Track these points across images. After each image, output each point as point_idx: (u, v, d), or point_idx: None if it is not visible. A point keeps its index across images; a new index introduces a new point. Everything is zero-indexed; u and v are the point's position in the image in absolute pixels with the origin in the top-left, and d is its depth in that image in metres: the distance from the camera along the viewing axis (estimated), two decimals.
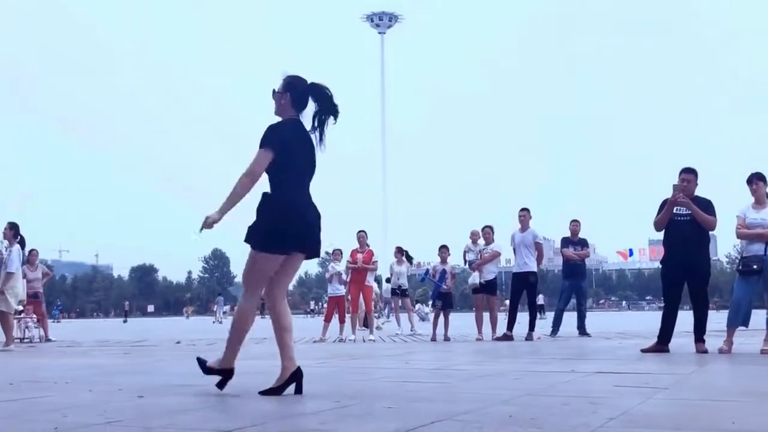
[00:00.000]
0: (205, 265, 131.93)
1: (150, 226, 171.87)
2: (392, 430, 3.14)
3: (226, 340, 4.97)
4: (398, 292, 16.97)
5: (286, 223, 4.59)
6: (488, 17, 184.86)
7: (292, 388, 4.61)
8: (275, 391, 4.58)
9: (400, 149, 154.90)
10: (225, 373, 4.90)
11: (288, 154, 4.66)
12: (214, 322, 37.84)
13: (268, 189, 4.70)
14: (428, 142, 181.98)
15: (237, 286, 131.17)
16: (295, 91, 4.82)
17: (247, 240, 4.64)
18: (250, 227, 4.65)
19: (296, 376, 4.66)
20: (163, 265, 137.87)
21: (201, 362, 5.00)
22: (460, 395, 4.66)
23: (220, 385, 4.84)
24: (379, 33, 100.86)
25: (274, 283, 4.80)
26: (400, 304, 17.32)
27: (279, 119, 4.85)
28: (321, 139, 4.86)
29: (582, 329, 13.07)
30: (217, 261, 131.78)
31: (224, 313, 44.73)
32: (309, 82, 4.87)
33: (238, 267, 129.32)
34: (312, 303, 69.49)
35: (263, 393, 4.58)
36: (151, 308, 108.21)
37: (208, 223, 4.50)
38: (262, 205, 4.66)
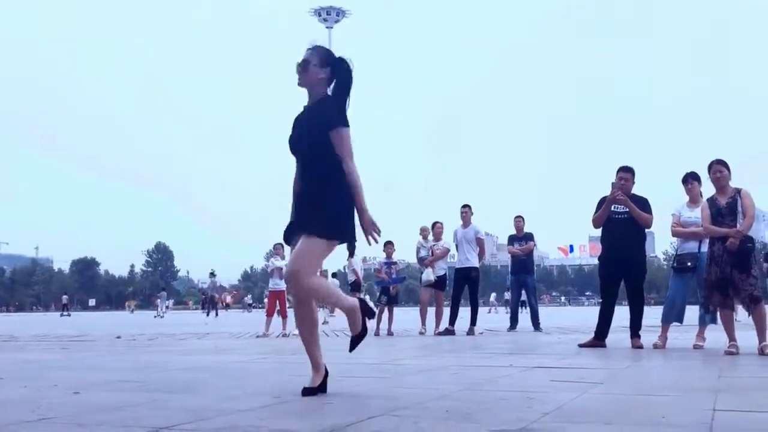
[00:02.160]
0: (149, 259, 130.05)
1: (92, 218, 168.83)
2: (330, 426, 3.15)
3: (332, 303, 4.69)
4: (351, 287, 17.09)
5: (351, 209, 4.35)
6: (433, 12, 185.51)
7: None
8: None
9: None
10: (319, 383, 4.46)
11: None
12: (155, 317, 37.41)
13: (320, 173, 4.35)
14: (372, 136, 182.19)
15: (181, 280, 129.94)
16: (333, 68, 4.48)
17: (310, 229, 4.27)
18: (312, 214, 4.29)
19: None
20: (105, 258, 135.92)
21: (310, 390, 4.39)
22: (399, 390, 4.69)
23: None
24: (327, 28, 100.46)
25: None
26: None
27: (305, 92, 4.51)
28: None
29: (536, 325, 13.28)
30: (161, 255, 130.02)
31: (167, 307, 44.29)
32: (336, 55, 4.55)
33: (181, 261, 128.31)
34: (249, 297, 68.75)
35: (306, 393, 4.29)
36: (92, 302, 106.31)
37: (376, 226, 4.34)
38: (327, 190, 4.30)
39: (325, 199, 4.28)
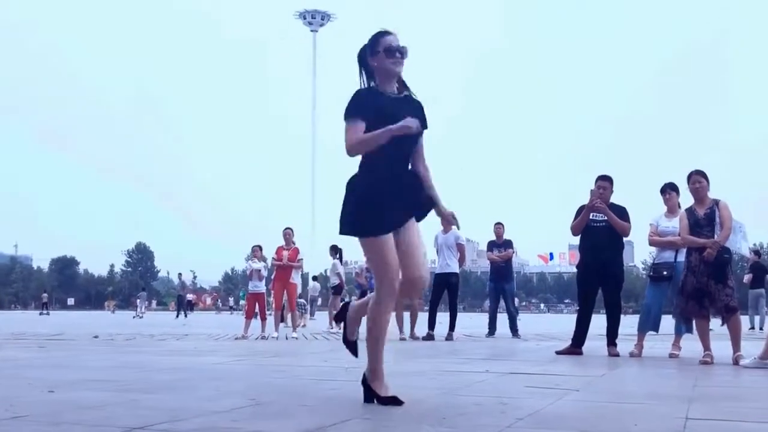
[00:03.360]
0: (129, 259, 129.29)
1: (72, 217, 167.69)
2: (304, 429, 3.16)
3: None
4: (332, 290, 17.21)
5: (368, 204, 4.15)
6: (418, 16, 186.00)
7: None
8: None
9: (330, 148, 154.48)
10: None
11: None
12: (135, 317, 37.24)
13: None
14: None
15: (161, 281, 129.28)
16: None
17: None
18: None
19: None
20: (85, 257, 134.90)
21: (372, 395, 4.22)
22: None
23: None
24: (312, 31, 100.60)
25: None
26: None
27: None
28: None
29: (514, 331, 13.33)
30: (141, 255, 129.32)
31: (145, 308, 44.18)
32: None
33: (162, 261, 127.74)
34: (231, 300, 68.53)
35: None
36: (71, 301, 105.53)
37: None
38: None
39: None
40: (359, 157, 4.10)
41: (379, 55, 4.12)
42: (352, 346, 4.63)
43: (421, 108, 4.27)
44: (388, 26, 4.25)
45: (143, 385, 4.97)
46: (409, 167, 4.25)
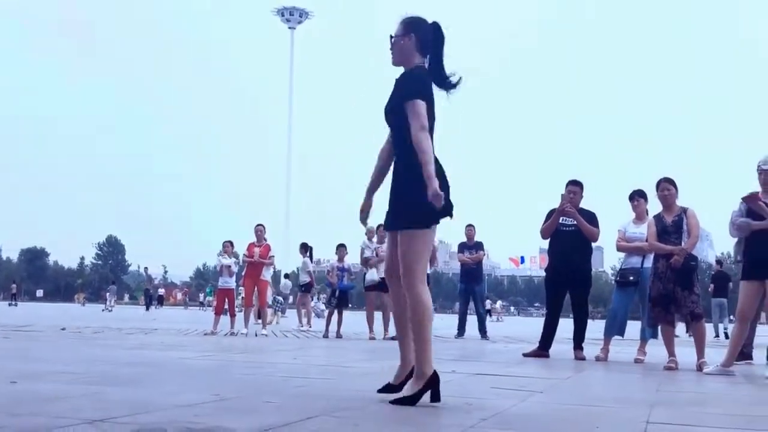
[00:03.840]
0: (99, 252, 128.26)
1: (43, 207, 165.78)
2: (267, 425, 3.16)
3: (416, 348, 4.10)
4: (302, 288, 17.23)
5: (445, 188, 4.03)
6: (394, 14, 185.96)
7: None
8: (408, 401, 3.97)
9: (305, 145, 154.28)
10: (432, 381, 4.04)
11: (432, 110, 4.10)
12: (103, 310, 36.98)
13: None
14: (332, 139, 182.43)
15: (132, 275, 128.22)
16: (421, 32, 4.16)
17: (405, 224, 4.09)
18: (403, 207, 4.10)
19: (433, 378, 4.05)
20: (55, 249, 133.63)
21: (403, 400, 4.00)
22: (342, 392, 4.71)
23: (436, 397, 4.03)
24: (290, 28, 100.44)
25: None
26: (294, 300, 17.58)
27: (401, 69, 4.20)
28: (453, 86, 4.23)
29: (482, 333, 13.39)
30: (112, 248, 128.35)
31: (114, 301, 43.99)
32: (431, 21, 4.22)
33: (132, 255, 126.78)
34: (201, 295, 67.98)
35: (395, 402, 3.98)
36: (40, 293, 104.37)
37: (437, 197, 3.92)
38: (413, 176, 4.01)
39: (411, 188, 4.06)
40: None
41: None
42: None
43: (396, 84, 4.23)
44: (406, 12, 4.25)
45: (107, 378, 4.93)
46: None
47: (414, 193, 4.01)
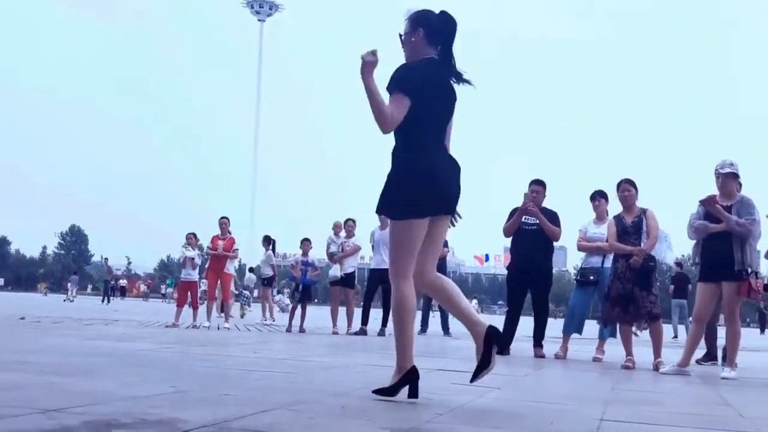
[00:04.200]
0: (62, 242, 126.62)
1: (4, 196, 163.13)
2: (222, 418, 3.15)
3: (395, 341, 4.19)
4: (265, 281, 17.18)
5: (429, 183, 3.99)
6: (365, 7, 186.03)
7: None
8: (483, 365, 4.12)
9: (273, 137, 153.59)
10: (409, 376, 4.09)
11: (424, 101, 4.00)
12: (65, 300, 36.54)
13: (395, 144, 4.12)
14: (300, 132, 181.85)
15: (95, 265, 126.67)
16: (428, 25, 4.12)
17: (381, 209, 4.14)
18: (383, 195, 4.08)
19: (490, 335, 4.08)
20: (17, 237, 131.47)
21: (383, 391, 4.09)
22: (300, 386, 4.72)
23: (413, 393, 4.06)
24: (259, 20, 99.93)
25: (420, 260, 4.13)
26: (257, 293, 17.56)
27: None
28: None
29: (445, 329, 13.47)
30: (75, 238, 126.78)
31: (77, 291, 43.50)
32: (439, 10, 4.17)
33: (96, 245, 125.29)
34: (163, 287, 67.21)
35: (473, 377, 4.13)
36: (0, 281, 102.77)
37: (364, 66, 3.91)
38: (396, 166, 4.06)
39: (388, 177, 4.10)
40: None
41: None
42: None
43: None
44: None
45: (64, 369, 4.88)
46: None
47: (394, 182, 4.04)
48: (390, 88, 3.98)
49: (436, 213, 4.10)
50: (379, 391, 4.06)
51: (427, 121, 4.04)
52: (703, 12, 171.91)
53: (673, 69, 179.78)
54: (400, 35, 4.18)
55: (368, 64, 3.93)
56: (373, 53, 3.95)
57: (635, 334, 8.37)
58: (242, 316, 19.88)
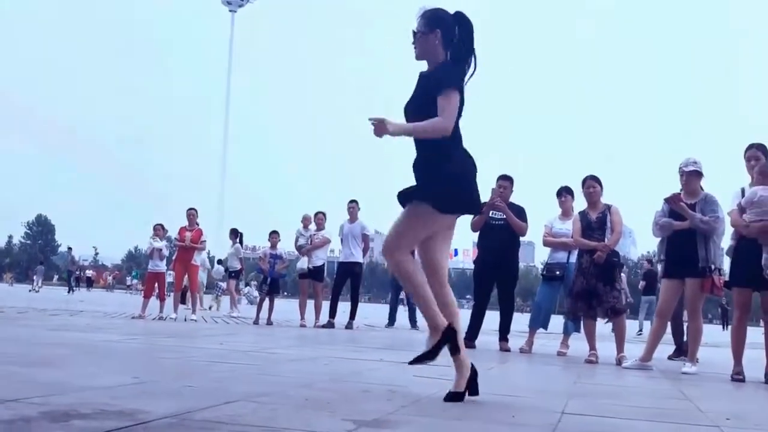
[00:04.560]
0: (28, 231, 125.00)
1: None
2: (184, 409, 3.14)
3: (419, 308, 4.17)
4: (233, 274, 17.12)
5: (470, 181, 4.06)
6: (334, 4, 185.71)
7: None
8: (429, 356, 4.05)
9: (242, 129, 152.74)
10: (448, 334, 4.05)
11: (461, 101, 4.01)
12: (30, 291, 36.12)
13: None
14: (270, 124, 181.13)
15: (61, 255, 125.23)
16: (445, 27, 4.04)
17: (424, 197, 4.00)
18: (428, 184, 4.02)
19: (448, 332, 4.03)
20: None
21: (421, 358, 4.11)
22: (265, 377, 4.71)
23: (455, 349, 4.08)
24: (230, 11, 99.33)
25: (435, 248, 4.16)
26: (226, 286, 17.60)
27: (424, 64, 4.13)
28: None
29: (413, 323, 13.52)
30: (41, 227, 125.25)
31: (42, 281, 43.06)
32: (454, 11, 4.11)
33: (62, 236, 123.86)
34: (128, 279, 66.40)
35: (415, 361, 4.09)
36: None
37: (378, 126, 3.88)
38: (443, 159, 4.00)
39: (441, 168, 4.00)
40: None
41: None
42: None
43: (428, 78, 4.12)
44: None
45: (25, 359, 4.84)
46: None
47: (447, 176, 4.00)
48: (445, 85, 3.95)
49: (471, 212, 4.28)
50: (417, 360, 4.06)
51: (459, 121, 4.08)
52: (670, 10, 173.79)
53: (638, 66, 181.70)
54: (414, 33, 4.10)
55: (379, 125, 3.89)
56: (374, 120, 3.93)
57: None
58: (217, 308, 19.86)
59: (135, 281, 55.43)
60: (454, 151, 4.05)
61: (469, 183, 4.08)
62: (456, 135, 4.04)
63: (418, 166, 4.13)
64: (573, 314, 7.91)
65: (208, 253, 20.35)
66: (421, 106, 4.03)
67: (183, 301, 14.48)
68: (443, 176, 4.00)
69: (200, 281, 18.76)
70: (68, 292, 36.60)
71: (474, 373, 4.10)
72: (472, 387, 4.08)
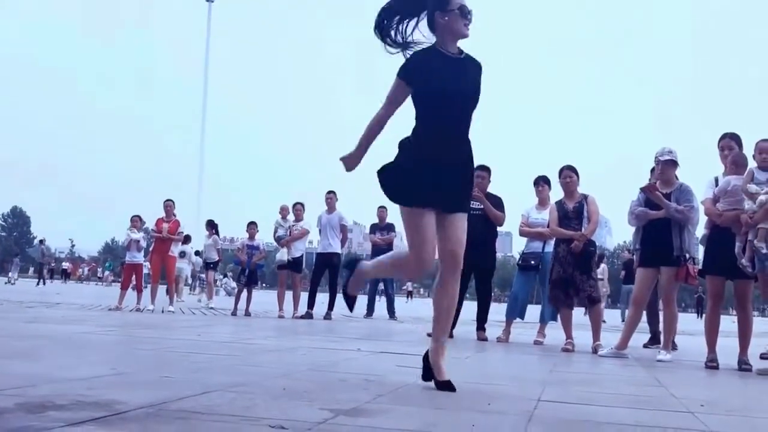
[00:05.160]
0: (3, 223, 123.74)
1: None
2: (161, 399, 3.14)
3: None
4: (210, 265, 17.06)
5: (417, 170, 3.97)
6: None
7: None
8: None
9: (220, 120, 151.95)
10: None
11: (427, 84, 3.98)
12: (6, 283, 35.76)
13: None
14: (247, 114, 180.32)
15: (37, 247, 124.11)
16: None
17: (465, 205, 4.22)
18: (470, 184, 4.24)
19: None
20: None
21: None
22: (242, 368, 4.71)
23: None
24: (207, 1, 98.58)
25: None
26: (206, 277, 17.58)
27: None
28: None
29: (391, 313, 13.55)
30: (17, 219, 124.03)
31: (18, 274, 42.70)
32: None
33: (38, 228, 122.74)
34: (99, 270, 65.79)
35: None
36: None
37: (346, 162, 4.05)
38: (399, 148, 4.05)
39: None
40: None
41: (452, 13, 3.97)
42: (350, 300, 4.57)
43: (480, 71, 4.13)
44: None
45: (1, 352, 4.80)
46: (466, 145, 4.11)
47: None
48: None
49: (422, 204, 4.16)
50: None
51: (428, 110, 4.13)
52: None
53: (624, 53, 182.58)
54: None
55: (348, 159, 4.06)
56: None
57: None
58: (199, 300, 19.83)
59: (107, 273, 55.05)
60: (410, 139, 4.03)
61: (410, 172, 3.97)
62: (421, 123, 4.02)
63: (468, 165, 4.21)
64: (554, 302, 7.97)
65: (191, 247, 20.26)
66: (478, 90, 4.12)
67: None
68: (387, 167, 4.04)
69: (185, 273, 18.74)
70: (37, 284, 36.11)
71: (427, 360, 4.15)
72: (427, 373, 4.13)
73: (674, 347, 8.54)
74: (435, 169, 3.94)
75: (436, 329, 4.22)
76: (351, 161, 4.10)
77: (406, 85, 3.99)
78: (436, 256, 4.15)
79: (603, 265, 20.57)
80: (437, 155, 3.95)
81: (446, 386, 3.98)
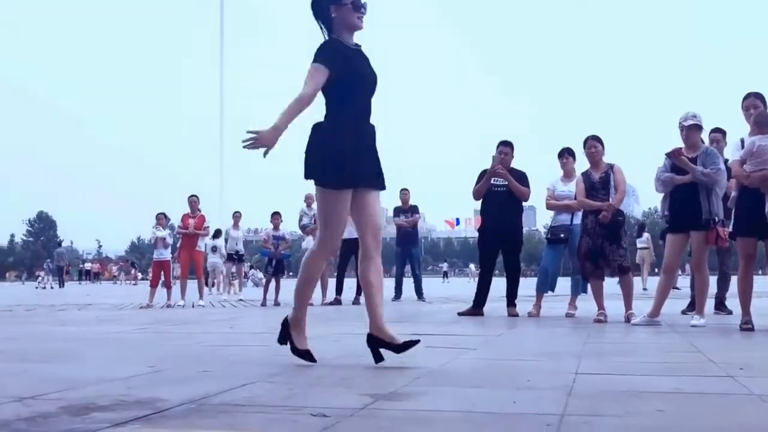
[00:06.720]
0: (30, 229, 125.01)
1: None
2: (202, 394, 3.16)
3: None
4: (235, 257, 17.07)
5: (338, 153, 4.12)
6: None
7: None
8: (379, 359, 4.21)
9: (240, 112, 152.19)
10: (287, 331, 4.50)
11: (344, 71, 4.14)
12: (37, 288, 36.20)
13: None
14: (266, 106, 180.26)
15: (65, 250, 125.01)
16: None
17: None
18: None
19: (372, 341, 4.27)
20: None
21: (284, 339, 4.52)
22: (277, 358, 4.70)
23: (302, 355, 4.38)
24: None
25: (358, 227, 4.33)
26: (234, 270, 17.61)
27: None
28: None
29: (419, 294, 13.55)
30: (43, 224, 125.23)
31: (50, 279, 43.10)
32: None
33: (65, 231, 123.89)
34: (114, 269, 65.89)
35: None
36: None
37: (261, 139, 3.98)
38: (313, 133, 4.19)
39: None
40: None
41: (345, 7, 4.16)
42: (305, 355, 4.40)
43: (369, 61, 4.32)
44: None
45: (38, 356, 4.85)
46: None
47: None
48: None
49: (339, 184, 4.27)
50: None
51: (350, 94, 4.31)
52: None
53: (639, 21, 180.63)
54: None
55: (261, 138, 3.99)
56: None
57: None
58: (230, 293, 19.98)
59: (133, 271, 55.39)
60: (328, 123, 4.15)
61: (337, 155, 4.09)
62: (338, 106, 4.14)
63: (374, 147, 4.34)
64: (582, 274, 7.92)
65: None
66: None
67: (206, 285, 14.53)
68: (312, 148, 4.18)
69: (220, 267, 18.84)
70: (56, 287, 35.92)
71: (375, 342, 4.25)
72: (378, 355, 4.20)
73: (728, 311, 8.44)
74: (356, 150, 4.13)
75: (377, 302, 4.42)
76: (269, 138, 3.98)
77: (326, 68, 4.08)
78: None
79: (646, 234, 20.54)
80: (357, 137, 4.14)
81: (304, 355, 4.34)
